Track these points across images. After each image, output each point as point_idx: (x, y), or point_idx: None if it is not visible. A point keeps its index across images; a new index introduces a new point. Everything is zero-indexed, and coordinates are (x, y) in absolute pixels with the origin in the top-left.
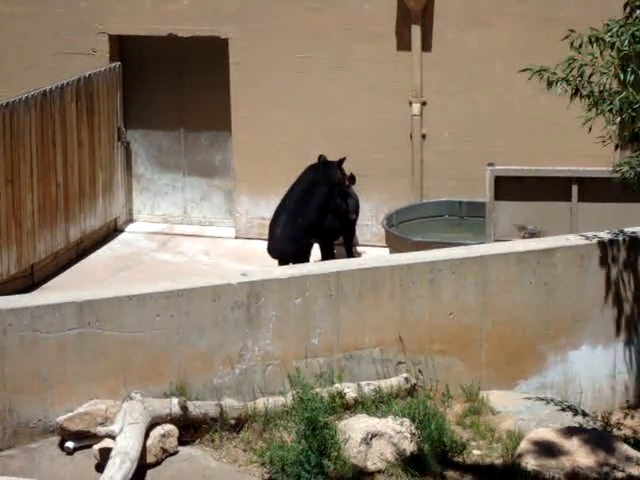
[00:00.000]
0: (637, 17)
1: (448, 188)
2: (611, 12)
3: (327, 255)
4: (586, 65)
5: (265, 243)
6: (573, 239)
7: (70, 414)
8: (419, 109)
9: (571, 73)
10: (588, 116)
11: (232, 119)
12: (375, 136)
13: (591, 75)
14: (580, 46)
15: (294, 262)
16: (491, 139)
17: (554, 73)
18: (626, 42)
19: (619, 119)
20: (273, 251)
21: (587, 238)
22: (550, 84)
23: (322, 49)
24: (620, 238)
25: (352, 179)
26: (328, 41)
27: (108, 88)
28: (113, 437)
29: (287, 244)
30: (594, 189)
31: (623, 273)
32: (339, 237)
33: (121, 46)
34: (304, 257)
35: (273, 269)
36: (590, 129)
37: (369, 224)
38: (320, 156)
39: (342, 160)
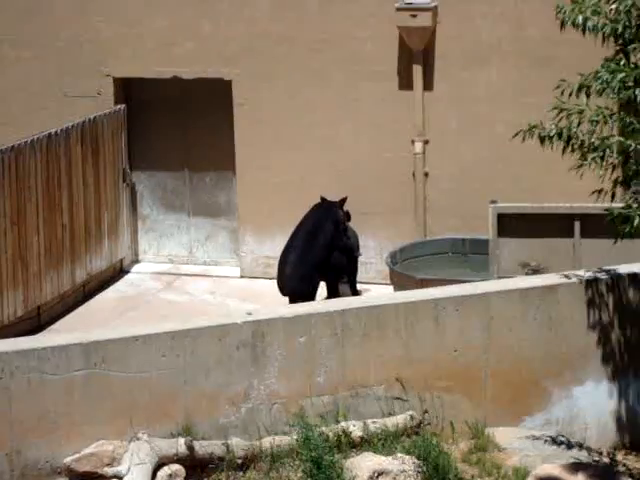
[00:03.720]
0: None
1: (451, 225)
2: (607, 51)
3: (332, 293)
4: (574, 114)
5: (270, 282)
6: (576, 275)
7: (77, 455)
8: (422, 147)
9: (560, 123)
10: (579, 163)
11: (236, 159)
12: (378, 174)
13: (579, 124)
14: (570, 95)
15: (305, 299)
16: (493, 177)
17: (544, 128)
18: (616, 89)
19: (611, 166)
20: (284, 289)
21: (590, 274)
22: (542, 140)
23: (325, 89)
24: (623, 274)
25: (348, 217)
26: (330, 81)
27: (113, 130)
28: (120, 478)
29: (298, 282)
30: (596, 225)
31: (626, 309)
32: (344, 275)
33: (126, 88)
34: (314, 294)
35: (278, 308)
36: (581, 175)
37: (373, 262)
38: (322, 197)
39: (344, 200)
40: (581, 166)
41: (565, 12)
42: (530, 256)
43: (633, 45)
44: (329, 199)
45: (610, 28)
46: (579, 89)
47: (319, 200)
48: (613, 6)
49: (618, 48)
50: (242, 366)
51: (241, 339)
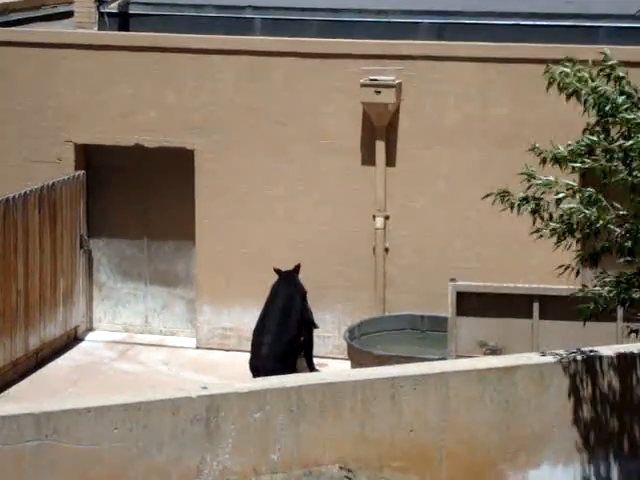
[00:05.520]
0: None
1: (410, 302)
2: (572, 130)
3: (290, 369)
4: (541, 186)
5: (226, 353)
6: (534, 357)
7: None
8: (382, 223)
9: (528, 191)
10: (536, 229)
11: (196, 229)
12: (338, 248)
13: (542, 193)
14: (542, 162)
15: None
16: (453, 254)
17: (512, 195)
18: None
19: (576, 239)
20: (259, 370)
21: (548, 357)
22: (512, 207)
23: (287, 162)
24: (580, 357)
25: None
26: (293, 154)
27: (71, 196)
28: None
29: (274, 363)
30: (555, 307)
31: (583, 392)
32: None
33: (87, 155)
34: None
35: (234, 382)
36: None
37: (331, 336)
38: (275, 269)
39: (299, 267)
40: (538, 231)
41: (552, 74)
42: (488, 335)
43: (613, 118)
44: (282, 269)
45: (592, 99)
46: (555, 159)
47: (274, 272)
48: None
49: (598, 119)
50: (195, 441)
51: (195, 413)
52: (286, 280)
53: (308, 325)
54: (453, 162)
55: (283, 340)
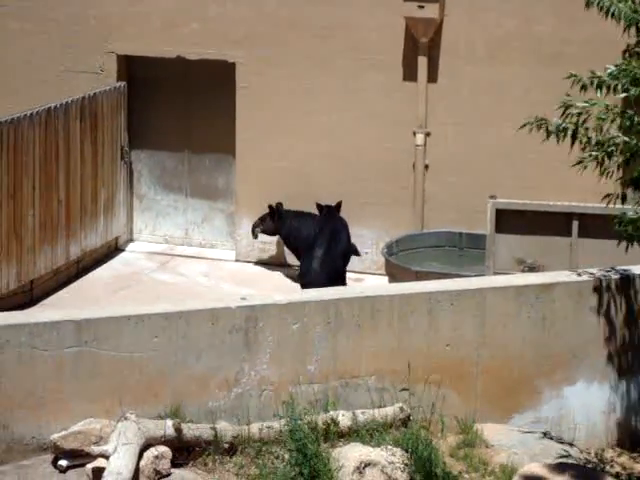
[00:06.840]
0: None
1: (449, 219)
2: (617, 50)
3: None
4: (581, 113)
5: (265, 267)
6: (572, 275)
7: (64, 432)
8: (423, 140)
9: (567, 120)
10: (579, 159)
11: (237, 142)
12: (378, 165)
13: (584, 121)
14: (582, 88)
15: None
16: (493, 172)
17: (551, 124)
18: (626, 85)
19: (617, 164)
20: (306, 279)
21: (586, 274)
22: (549, 134)
23: (328, 76)
24: (618, 275)
25: None
26: (335, 68)
27: (112, 107)
28: (106, 457)
29: (324, 278)
30: (594, 225)
31: (620, 310)
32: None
33: (129, 66)
34: None
35: (272, 294)
36: (582, 172)
37: (369, 252)
38: (318, 204)
39: (340, 204)
40: (581, 162)
41: None
42: (527, 253)
43: None
44: (322, 204)
45: (631, 18)
46: (591, 83)
47: (316, 207)
48: None
49: (638, 40)
50: (234, 351)
51: (234, 324)
52: (331, 216)
53: (351, 255)
54: (496, 79)
55: (332, 258)
